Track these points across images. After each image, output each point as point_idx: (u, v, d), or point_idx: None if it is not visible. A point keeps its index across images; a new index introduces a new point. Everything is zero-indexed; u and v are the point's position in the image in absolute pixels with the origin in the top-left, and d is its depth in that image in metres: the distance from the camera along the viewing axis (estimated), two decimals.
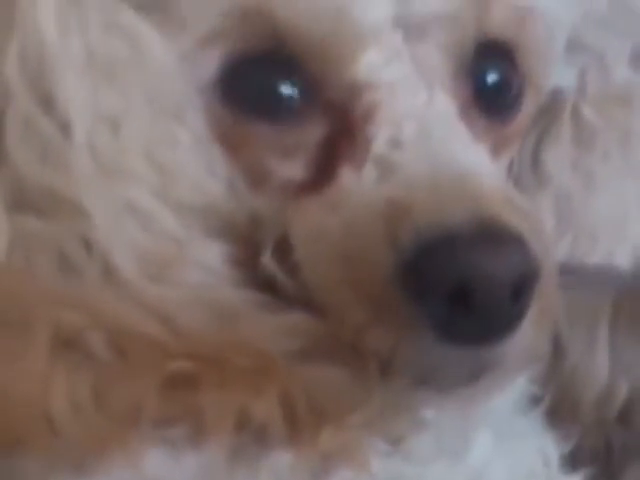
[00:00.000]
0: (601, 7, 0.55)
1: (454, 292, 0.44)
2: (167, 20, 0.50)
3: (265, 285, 0.48)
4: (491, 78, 0.53)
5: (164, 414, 0.44)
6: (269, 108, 0.50)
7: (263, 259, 0.48)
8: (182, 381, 0.44)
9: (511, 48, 0.54)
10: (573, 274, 0.59)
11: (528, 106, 0.56)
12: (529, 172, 0.60)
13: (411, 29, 0.50)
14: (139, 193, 0.47)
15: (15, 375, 0.43)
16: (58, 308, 0.45)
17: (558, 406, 0.59)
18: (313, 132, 0.50)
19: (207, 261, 0.48)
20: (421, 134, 0.48)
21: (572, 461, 0.57)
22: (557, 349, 0.60)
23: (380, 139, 0.48)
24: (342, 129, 0.50)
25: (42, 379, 0.43)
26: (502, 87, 0.54)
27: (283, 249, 0.48)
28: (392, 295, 0.45)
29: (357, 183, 0.48)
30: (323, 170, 0.50)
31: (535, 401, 0.57)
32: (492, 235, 0.44)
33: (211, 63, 0.49)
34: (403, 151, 0.48)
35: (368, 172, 0.48)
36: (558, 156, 0.60)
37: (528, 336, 0.46)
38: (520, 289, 0.45)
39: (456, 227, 0.44)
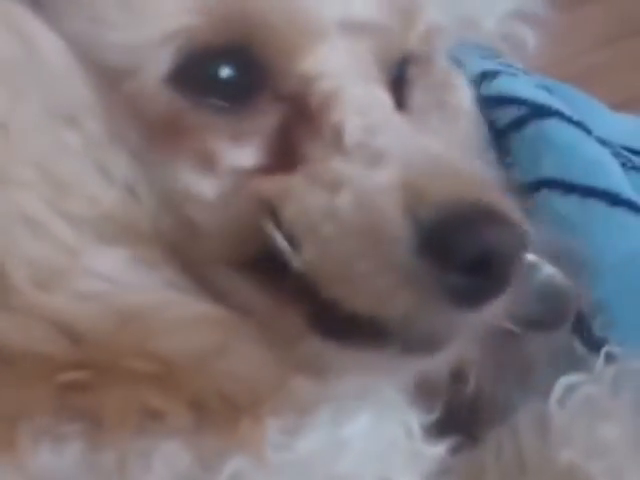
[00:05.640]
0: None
1: (474, 264, 0.47)
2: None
3: (174, 284, 0.50)
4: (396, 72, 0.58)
5: (60, 415, 0.45)
6: (220, 97, 0.51)
7: (275, 237, 0.49)
8: (77, 387, 0.45)
9: (418, 58, 0.59)
10: None
11: None
12: None
13: (351, 31, 0.54)
14: (28, 201, 0.47)
15: None
16: None
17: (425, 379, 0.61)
18: (266, 120, 0.52)
19: (105, 268, 0.48)
20: (385, 122, 0.52)
21: (438, 431, 0.59)
22: None
23: (351, 126, 0.51)
24: (298, 117, 0.52)
25: None
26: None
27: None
28: (412, 265, 0.48)
29: (350, 167, 0.50)
30: (283, 155, 0.51)
31: None
32: (499, 213, 0.48)
33: (166, 57, 0.50)
34: (379, 137, 0.51)
35: (356, 157, 0.50)
36: None
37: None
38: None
39: (471, 206, 0.48)
